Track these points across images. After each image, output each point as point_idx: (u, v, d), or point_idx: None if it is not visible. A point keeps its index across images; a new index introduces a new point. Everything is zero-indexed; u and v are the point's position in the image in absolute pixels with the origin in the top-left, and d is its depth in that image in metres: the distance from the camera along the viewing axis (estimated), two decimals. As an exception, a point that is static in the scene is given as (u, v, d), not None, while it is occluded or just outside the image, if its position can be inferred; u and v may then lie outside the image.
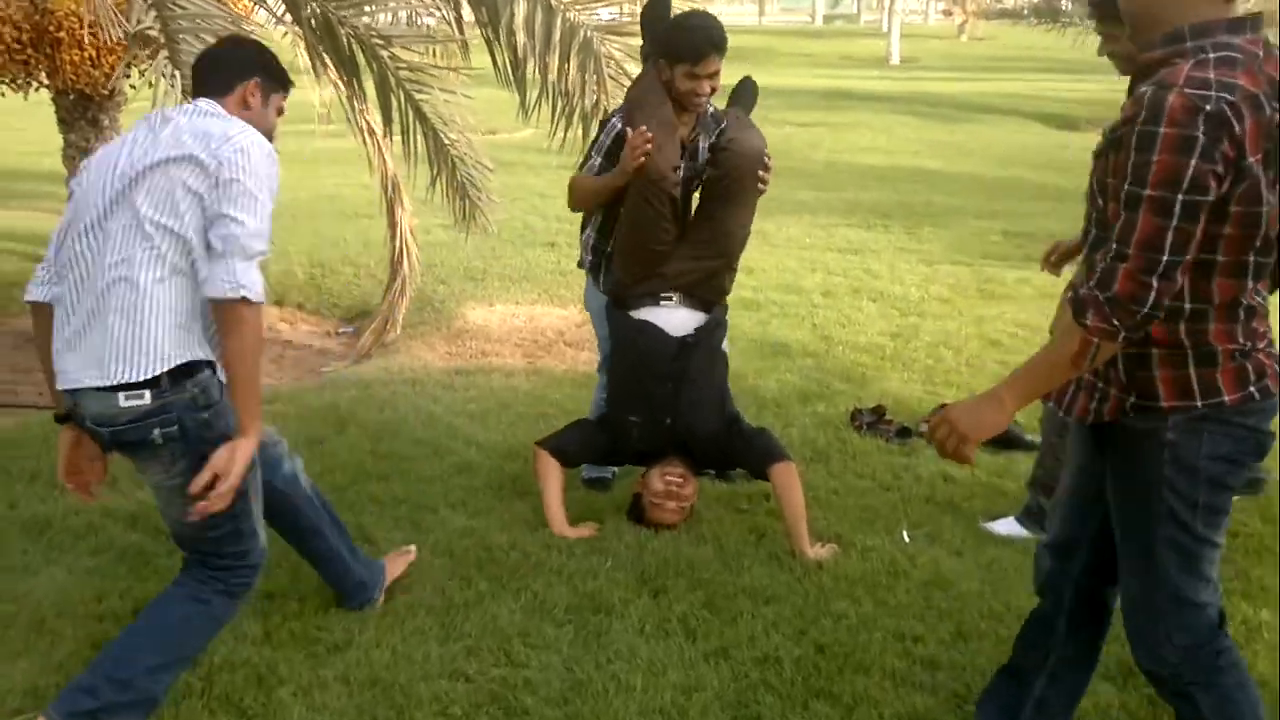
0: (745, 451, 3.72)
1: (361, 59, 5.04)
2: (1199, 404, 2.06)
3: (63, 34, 5.44)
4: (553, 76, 4.99)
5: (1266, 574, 3.44)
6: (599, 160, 3.71)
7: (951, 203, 10.78)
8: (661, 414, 3.66)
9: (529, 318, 6.76)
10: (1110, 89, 23.74)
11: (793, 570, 3.47)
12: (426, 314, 6.87)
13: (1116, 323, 1.95)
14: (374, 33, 4.89)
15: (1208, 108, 1.86)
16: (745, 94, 4.02)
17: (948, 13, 53.11)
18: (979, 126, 17.58)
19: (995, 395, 2.13)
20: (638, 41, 5.01)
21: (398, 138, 5.34)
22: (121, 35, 4.51)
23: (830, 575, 3.43)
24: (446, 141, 5.05)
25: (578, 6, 4.95)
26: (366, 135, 5.87)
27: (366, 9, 4.99)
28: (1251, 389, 2.07)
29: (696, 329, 3.69)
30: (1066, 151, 14.92)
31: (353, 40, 5.01)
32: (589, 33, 5.00)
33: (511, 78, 5.25)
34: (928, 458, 4.39)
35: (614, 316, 3.80)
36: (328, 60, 5.16)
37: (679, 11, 3.93)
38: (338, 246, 8.48)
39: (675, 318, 3.71)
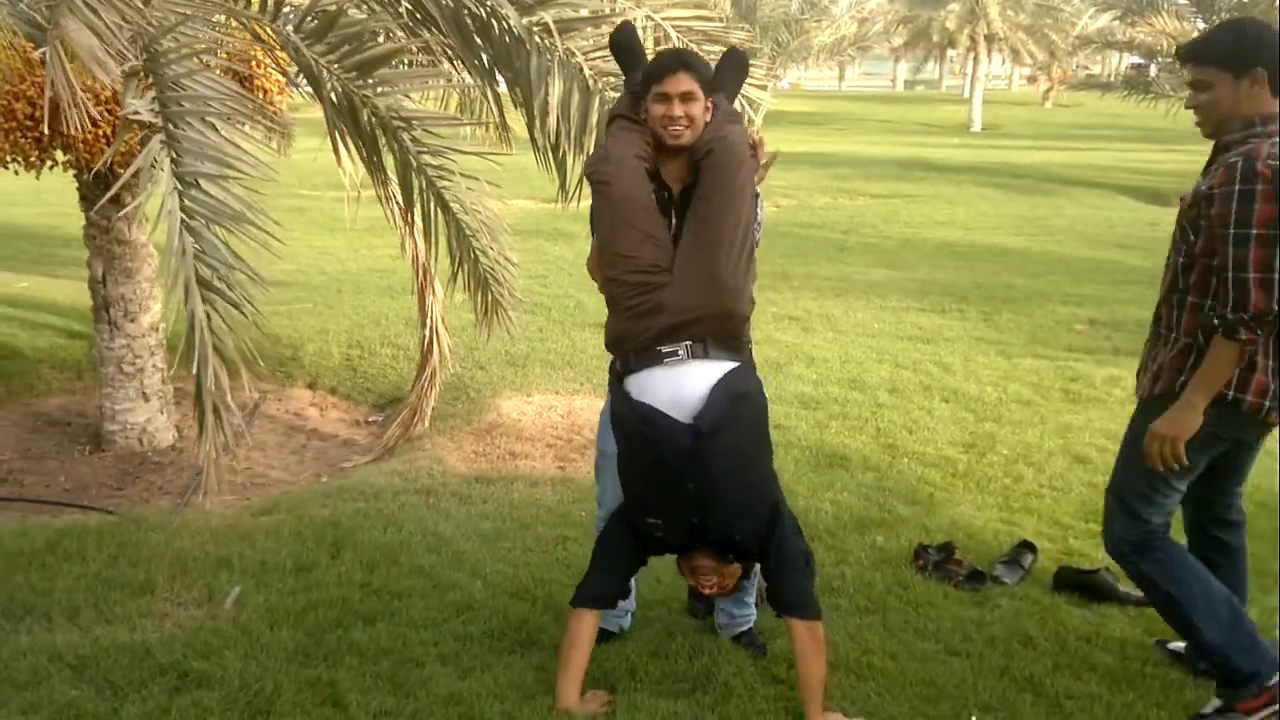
0: (771, 577, 3.12)
1: (382, 140, 4.64)
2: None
3: (81, 110, 5.14)
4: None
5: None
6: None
7: (1033, 286, 10.09)
8: (685, 514, 3.02)
9: (567, 411, 6.26)
10: (1203, 160, 22.75)
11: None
12: (460, 404, 6.41)
13: (1260, 331, 2.82)
14: (394, 114, 4.48)
15: None
16: (730, 66, 3.35)
17: (1032, 79, 52.34)
18: (1063, 200, 16.81)
19: (1186, 402, 2.93)
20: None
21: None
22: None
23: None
24: (469, 233, 4.60)
25: (615, 92, 4.49)
26: (396, 217, 5.47)
27: (391, 87, 4.58)
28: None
29: (714, 419, 2.94)
30: (1157, 229, 14.11)
31: (374, 121, 4.62)
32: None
33: (551, 161, 4.83)
34: (1004, 611, 3.77)
35: (615, 395, 3.12)
36: (349, 139, 4.78)
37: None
38: (379, 325, 8.10)
39: (688, 380, 2.97)
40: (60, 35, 3.46)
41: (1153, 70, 21.48)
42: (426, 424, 6.04)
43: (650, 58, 3.27)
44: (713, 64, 3.32)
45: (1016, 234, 13.53)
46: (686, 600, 3.80)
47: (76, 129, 4.20)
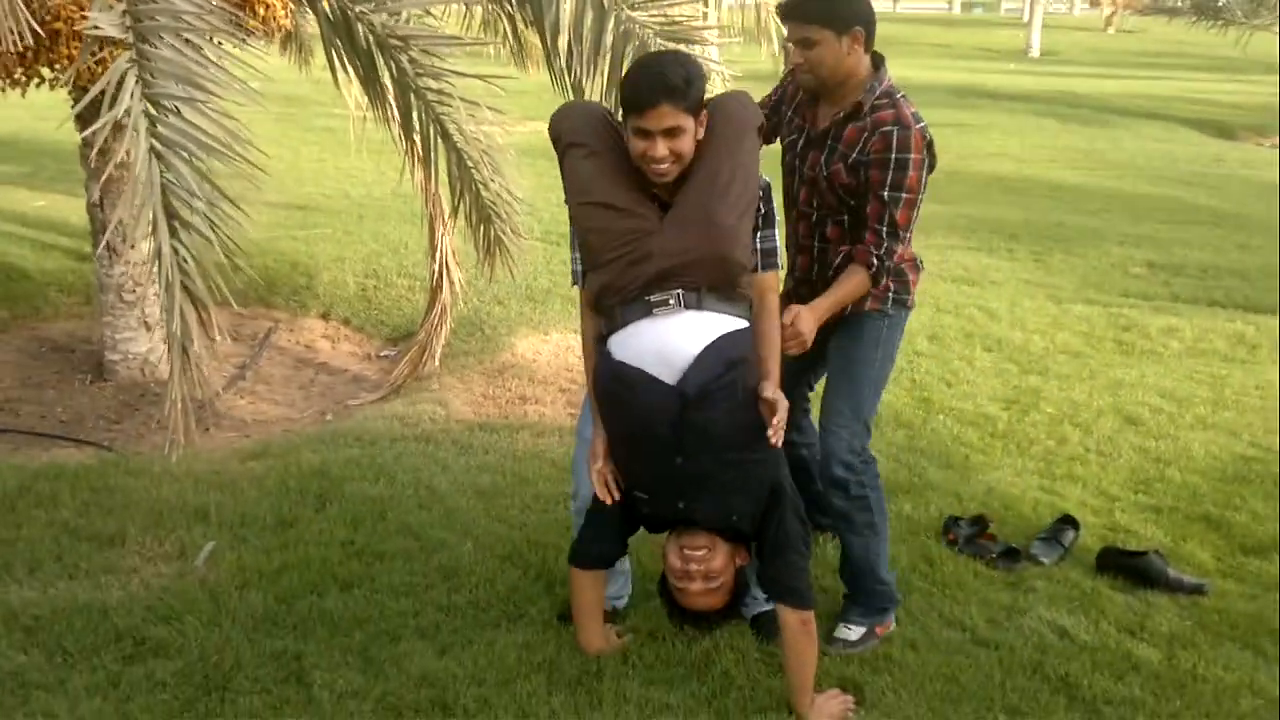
0: (765, 560, 2.81)
1: (380, 60, 4.28)
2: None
3: (60, 25, 4.82)
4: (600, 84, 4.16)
5: None
6: (579, 267, 2.88)
7: (1088, 224, 9.56)
8: (673, 492, 2.71)
9: (585, 352, 5.94)
10: (1272, 91, 21.78)
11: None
12: (474, 341, 6.11)
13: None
14: (390, 33, 4.11)
15: None
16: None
17: (1095, 3, 50.40)
18: (1123, 132, 16.05)
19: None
20: (701, 47, 4.16)
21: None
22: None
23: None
24: (470, 164, 4.24)
25: (632, 10, 4.09)
26: (401, 141, 5.11)
27: (388, 3, 4.21)
28: None
29: (703, 385, 2.60)
30: (1222, 165, 13.42)
31: (370, 38, 4.25)
32: (647, 36, 4.13)
33: (567, 82, 4.45)
34: (1039, 596, 3.43)
35: (597, 356, 2.78)
36: (345, 58, 4.43)
37: None
38: (397, 254, 7.79)
39: (677, 334, 2.65)
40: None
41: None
42: (436, 362, 5.74)
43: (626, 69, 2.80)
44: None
45: (1072, 168, 12.91)
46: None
47: (26, 43, 3.88)
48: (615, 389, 2.70)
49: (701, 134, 2.69)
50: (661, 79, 2.56)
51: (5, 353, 6.27)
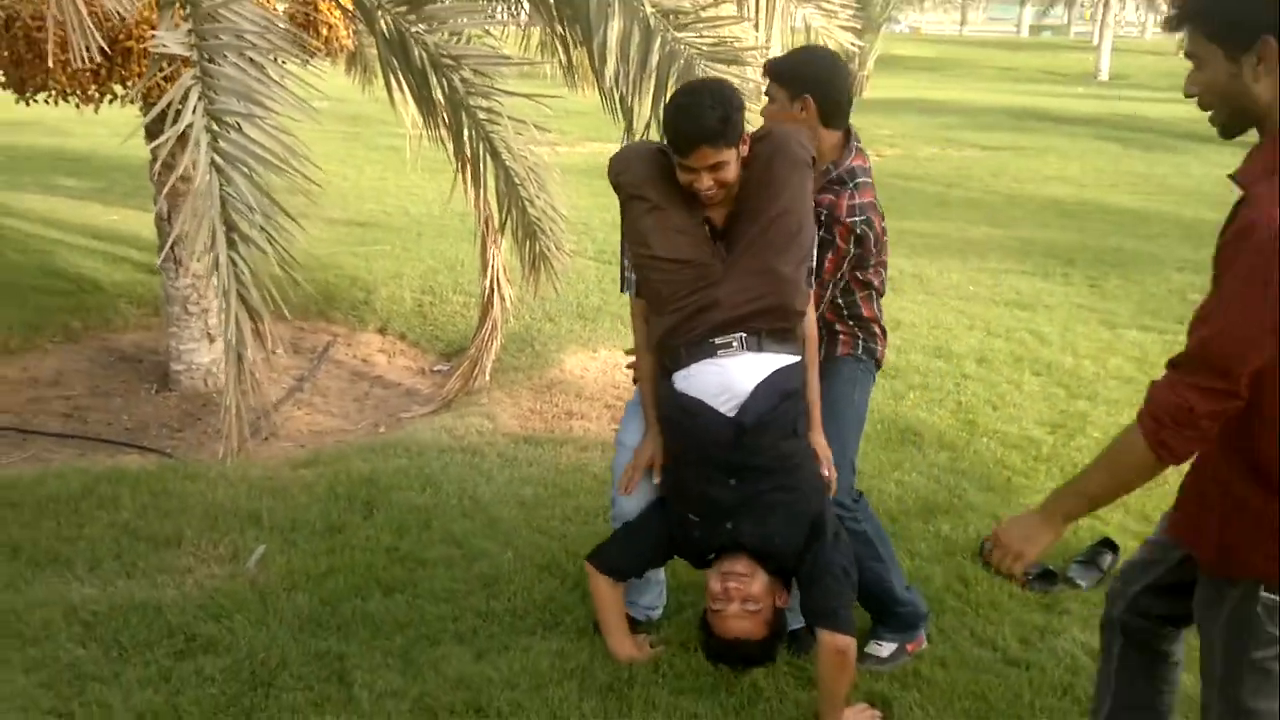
0: (805, 588, 2.88)
1: (433, 79, 4.41)
2: None
3: (131, 43, 5.03)
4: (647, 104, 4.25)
5: None
6: (631, 275, 3.00)
7: (1146, 250, 9.45)
8: (723, 514, 2.84)
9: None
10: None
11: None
12: (524, 357, 6.22)
13: None
14: (444, 52, 4.24)
15: None
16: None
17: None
18: (1187, 158, 15.81)
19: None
20: (744, 69, 4.23)
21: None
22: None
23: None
24: (516, 180, 4.35)
25: (679, 31, 4.18)
26: (454, 159, 5.25)
27: (442, 23, 4.34)
28: None
29: (759, 413, 2.76)
30: (1291, 191, 13.18)
31: (424, 58, 4.38)
32: (692, 57, 4.22)
33: (616, 102, 4.54)
34: (1073, 618, 3.43)
35: (662, 389, 2.95)
36: (401, 77, 4.56)
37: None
38: (454, 271, 7.95)
39: (737, 372, 2.79)
40: (78, -37, 3.29)
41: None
42: (487, 377, 5.86)
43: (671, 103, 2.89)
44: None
45: (1133, 192, 12.76)
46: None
47: (87, 60, 4.06)
48: (678, 417, 2.86)
49: (745, 153, 2.81)
50: (699, 125, 2.69)
51: (77, 361, 6.51)
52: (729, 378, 2.79)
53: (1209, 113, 2.03)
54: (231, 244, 3.55)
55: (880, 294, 3.22)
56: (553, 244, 4.53)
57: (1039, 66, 36.24)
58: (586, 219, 9.36)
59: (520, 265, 4.77)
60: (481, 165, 4.35)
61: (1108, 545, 3.82)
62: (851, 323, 3.15)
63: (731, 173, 2.77)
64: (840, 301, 3.13)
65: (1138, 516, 4.19)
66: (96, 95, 5.26)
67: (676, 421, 2.89)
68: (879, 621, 3.27)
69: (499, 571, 3.60)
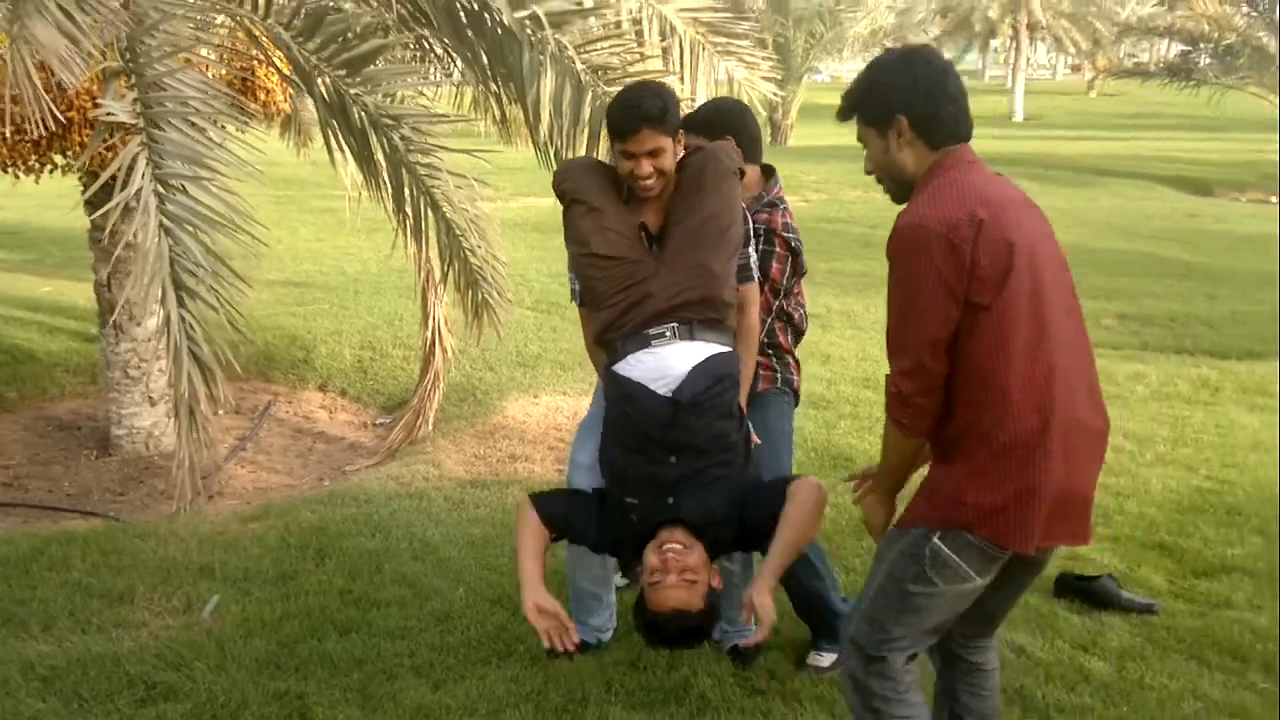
0: (751, 509, 2.94)
1: (373, 138, 4.58)
2: None
3: (73, 114, 5.14)
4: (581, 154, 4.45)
5: None
6: (579, 284, 3.18)
7: (1063, 279, 9.85)
8: (663, 491, 2.92)
9: (573, 412, 6.17)
10: (1250, 148, 22.33)
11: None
12: (466, 406, 6.35)
13: None
14: (383, 112, 4.42)
15: None
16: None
17: (1077, 68, 51.52)
18: (1100, 191, 16.46)
19: None
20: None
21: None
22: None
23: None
24: (458, 232, 4.53)
25: (609, 86, 4.40)
26: (394, 216, 5.41)
27: (379, 85, 4.52)
28: None
29: (694, 394, 2.89)
30: (1195, 221, 13.79)
31: (364, 118, 4.56)
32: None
33: (550, 157, 4.74)
34: (999, 621, 3.62)
35: (604, 379, 3.12)
36: (341, 137, 4.73)
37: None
38: (392, 326, 8.07)
39: (672, 358, 2.93)
40: (25, 36, 3.42)
41: (1203, 59, 21.00)
42: (430, 426, 5.98)
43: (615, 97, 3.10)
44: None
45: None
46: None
47: (49, 129, 4.15)
48: (619, 403, 3.00)
49: (680, 152, 3.02)
50: (640, 109, 2.91)
51: (13, 431, 6.50)
52: (665, 363, 2.92)
53: (882, 185, 2.48)
54: (181, 301, 3.67)
55: (799, 330, 3.46)
56: (495, 291, 4.70)
57: (956, 110, 37.33)
58: (523, 270, 9.54)
59: (464, 314, 4.92)
60: (423, 219, 4.52)
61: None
62: (770, 353, 3.37)
63: (668, 162, 2.95)
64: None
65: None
66: (37, 166, 5.35)
67: (618, 407, 3.00)
68: (819, 634, 3.44)
69: (451, 607, 3.72)
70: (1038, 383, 2.23)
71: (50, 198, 13.64)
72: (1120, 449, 5.27)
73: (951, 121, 2.34)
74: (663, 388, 2.92)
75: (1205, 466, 5.06)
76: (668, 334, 2.95)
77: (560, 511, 3.06)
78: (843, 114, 2.47)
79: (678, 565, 2.88)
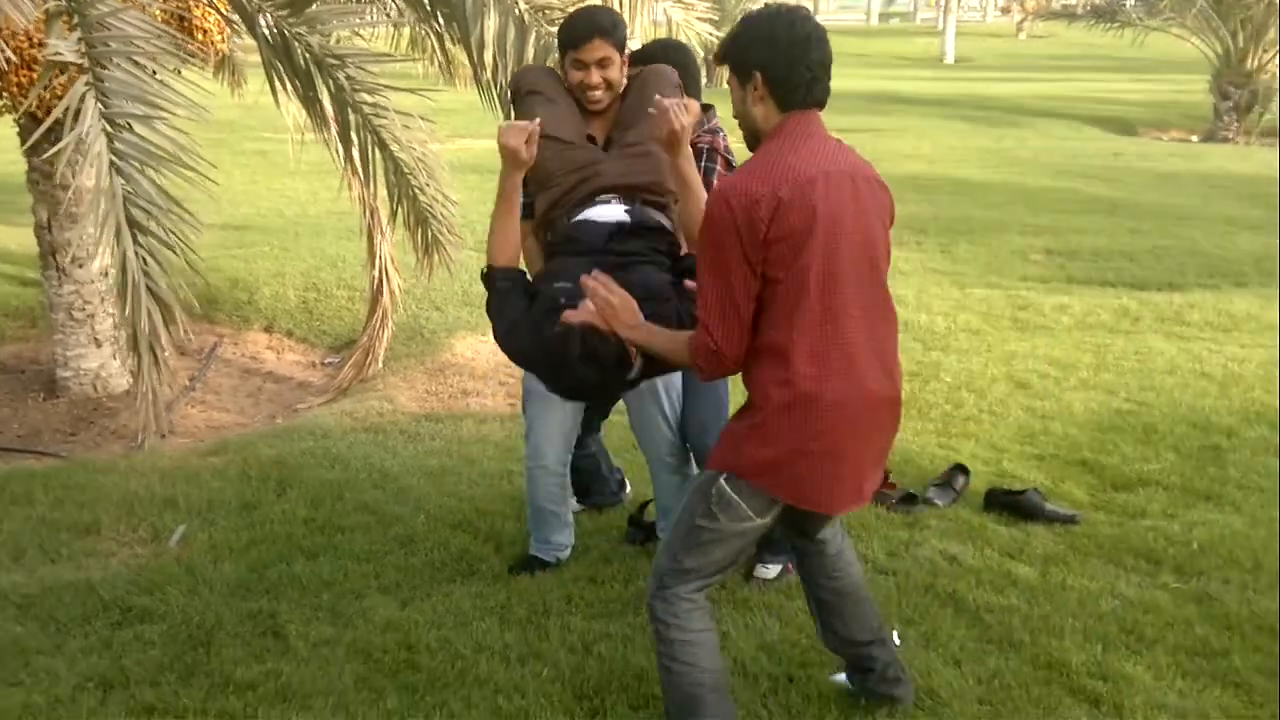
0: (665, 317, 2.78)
1: (318, 78, 4.61)
2: None
3: (10, 54, 5.08)
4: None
5: None
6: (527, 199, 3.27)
7: (992, 217, 10.14)
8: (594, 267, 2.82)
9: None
10: (1173, 89, 22.87)
11: (758, 685, 2.97)
12: (414, 345, 6.44)
13: None
14: (328, 52, 4.45)
15: None
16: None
17: (1006, 10, 51.92)
18: (1029, 131, 16.82)
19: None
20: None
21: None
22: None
23: (800, 693, 2.93)
24: (406, 170, 4.60)
25: (551, 26, 4.48)
26: (339, 157, 5.44)
27: (323, 25, 4.54)
28: None
29: (644, 217, 3.03)
30: (1120, 160, 14.18)
31: (308, 58, 4.58)
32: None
33: (494, 94, 4.81)
34: (933, 532, 3.86)
35: (547, 236, 3.10)
36: (285, 79, 4.74)
37: None
38: (335, 268, 8.08)
39: (620, 212, 3.04)
40: (-28, -25, 3.41)
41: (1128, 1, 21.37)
42: (380, 365, 6.07)
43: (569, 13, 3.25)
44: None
45: (980, 166, 13.55)
46: (626, 529, 3.88)
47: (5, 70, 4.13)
48: (564, 248, 3.00)
49: (626, 71, 3.16)
50: (593, 19, 3.10)
51: (-44, 377, 6.46)
52: (610, 210, 3.04)
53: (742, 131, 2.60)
54: (135, 239, 3.72)
55: None
56: (445, 228, 4.78)
57: (890, 52, 37.62)
58: (465, 212, 9.48)
59: (414, 252, 5.00)
60: (370, 159, 4.57)
61: (960, 470, 4.27)
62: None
63: (616, 75, 3.11)
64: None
65: (986, 445, 4.68)
66: (-26, 105, 5.30)
67: (562, 252, 3.00)
68: (762, 546, 3.64)
69: (414, 532, 3.86)
70: (820, 352, 2.40)
71: (-28, 142, 13.33)
72: (1046, 375, 5.55)
73: (804, 88, 2.44)
74: (608, 222, 3.01)
75: (1125, 390, 5.35)
76: (613, 200, 3.06)
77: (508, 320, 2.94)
78: (717, 59, 2.60)
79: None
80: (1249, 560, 3.63)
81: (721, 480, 2.51)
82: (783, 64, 2.44)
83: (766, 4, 2.61)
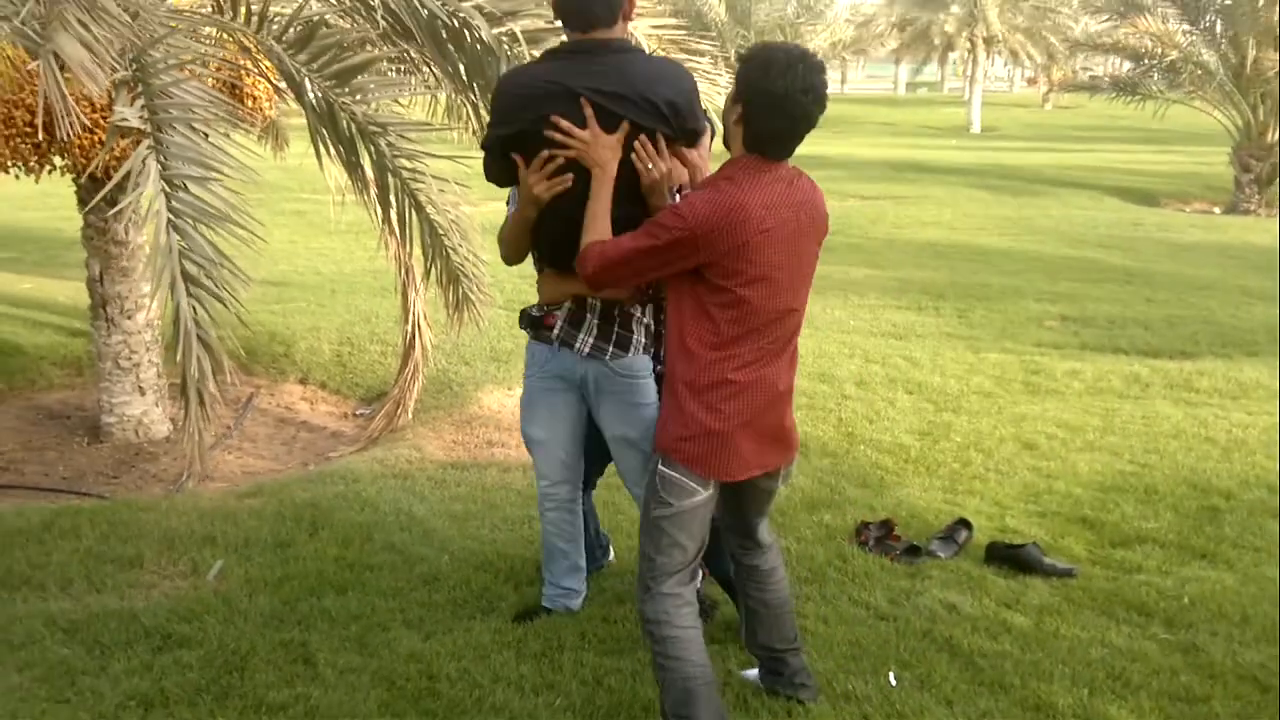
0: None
1: (360, 144, 4.92)
2: None
3: (84, 119, 5.42)
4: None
5: None
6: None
7: (1009, 283, 10.35)
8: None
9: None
10: (1196, 160, 23.08)
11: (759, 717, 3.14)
12: (443, 397, 6.69)
13: None
14: (370, 120, 4.76)
15: None
16: None
17: (1032, 81, 52.55)
18: (1050, 201, 17.06)
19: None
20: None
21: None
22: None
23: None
24: (440, 231, 4.88)
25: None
26: (377, 217, 5.74)
27: (367, 95, 4.86)
28: None
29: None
30: (1139, 230, 14.37)
31: (352, 126, 4.90)
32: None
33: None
34: (933, 582, 4.03)
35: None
36: (330, 144, 5.06)
37: None
38: (369, 323, 8.38)
39: None
40: (53, 48, 3.74)
41: (1154, 74, 21.68)
42: (409, 416, 6.31)
43: None
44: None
45: (1000, 234, 13.78)
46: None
47: (70, 135, 4.46)
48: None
49: None
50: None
51: (5, 420, 6.76)
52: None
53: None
54: (188, 291, 4.00)
55: None
56: (475, 286, 5.05)
57: (916, 121, 38.12)
58: (494, 272, 9.82)
59: (445, 309, 5.26)
60: (407, 220, 4.86)
61: (964, 523, 4.44)
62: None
63: None
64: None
65: (990, 502, 4.85)
66: (36, 167, 5.64)
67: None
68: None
69: (438, 571, 4.07)
70: (730, 346, 2.74)
71: (22, 200, 13.84)
72: (1053, 436, 5.72)
73: (771, 137, 2.73)
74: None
75: (1129, 452, 5.51)
76: None
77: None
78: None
79: None
80: (1237, 614, 3.77)
81: (659, 464, 2.84)
82: (763, 106, 2.68)
83: (763, 43, 2.90)
